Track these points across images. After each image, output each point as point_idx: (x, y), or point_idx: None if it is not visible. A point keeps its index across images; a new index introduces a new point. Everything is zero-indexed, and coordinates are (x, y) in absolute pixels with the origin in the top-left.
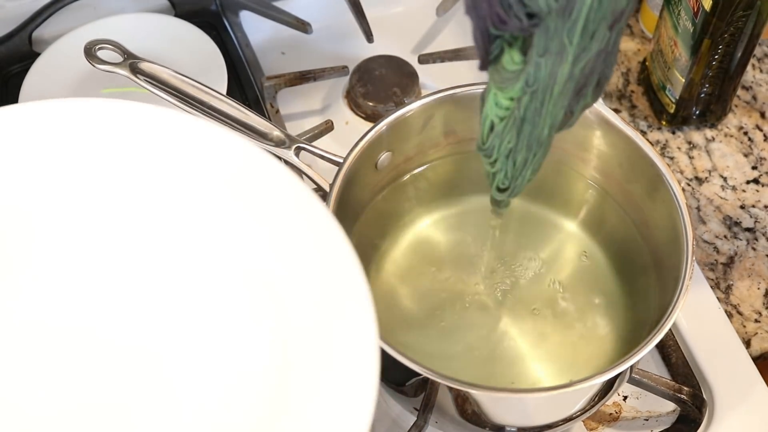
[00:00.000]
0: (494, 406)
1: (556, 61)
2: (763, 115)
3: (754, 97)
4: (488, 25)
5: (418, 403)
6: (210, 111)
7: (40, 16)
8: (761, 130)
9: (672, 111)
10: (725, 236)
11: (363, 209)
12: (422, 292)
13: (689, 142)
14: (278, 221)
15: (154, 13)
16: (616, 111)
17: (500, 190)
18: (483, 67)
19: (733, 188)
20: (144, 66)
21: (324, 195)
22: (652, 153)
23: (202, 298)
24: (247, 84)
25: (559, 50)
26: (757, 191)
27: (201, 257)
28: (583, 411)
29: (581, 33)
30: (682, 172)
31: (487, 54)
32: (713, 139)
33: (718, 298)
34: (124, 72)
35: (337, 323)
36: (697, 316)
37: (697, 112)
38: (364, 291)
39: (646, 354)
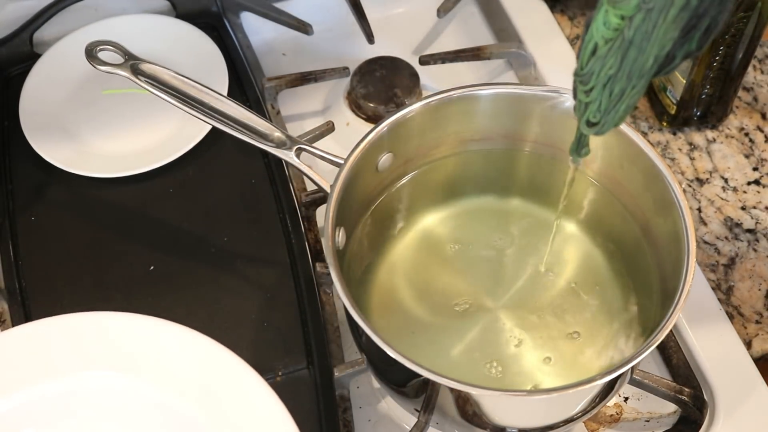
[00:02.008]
0: (495, 407)
1: None
2: (764, 116)
3: (755, 98)
4: None
5: (419, 404)
6: (211, 112)
7: (41, 18)
8: (762, 131)
9: (673, 112)
10: (726, 237)
11: (364, 210)
12: (423, 293)
13: (690, 143)
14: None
15: (155, 14)
16: None
17: (590, 125)
18: None
19: (734, 189)
20: (145, 67)
21: (325, 196)
22: (653, 154)
23: None
24: (248, 85)
25: None
26: (758, 192)
27: None
28: (584, 412)
29: None
30: (683, 173)
31: None
32: (714, 140)
33: (719, 299)
34: (125, 73)
35: None
36: (698, 317)
37: (698, 113)
38: None
39: (647, 355)
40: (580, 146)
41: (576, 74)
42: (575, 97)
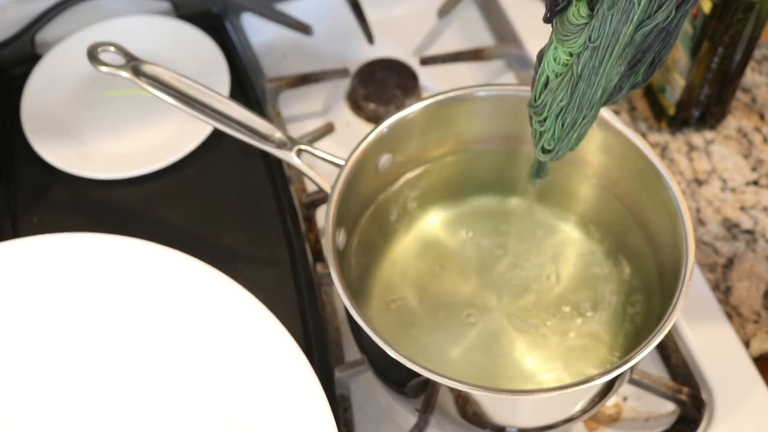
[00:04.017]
0: (495, 406)
1: (621, 20)
2: (762, 117)
3: (753, 99)
4: None
5: (420, 404)
6: (212, 113)
7: (43, 19)
8: (760, 132)
9: (672, 113)
10: (724, 238)
11: (364, 210)
12: (423, 293)
13: (689, 144)
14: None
15: (157, 15)
16: (616, 113)
17: (545, 152)
18: (548, 18)
19: (733, 190)
20: (146, 68)
21: (325, 197)
22: (652, 155)
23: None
24: (249, 86)
25: (627, 8)
26: (757, 193)
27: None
28: (584, 412)
29: None
30: (681, 174)
31: (555, 5)
32: (713, 141)
33: (717, 299)
34: (127, 74)
35: None
36: (696, 317)
37: (697, 114)
38: (324, 412)
39: (646, 355)
40: (539, 171)
41: (530, 105)
42: (531, 126)
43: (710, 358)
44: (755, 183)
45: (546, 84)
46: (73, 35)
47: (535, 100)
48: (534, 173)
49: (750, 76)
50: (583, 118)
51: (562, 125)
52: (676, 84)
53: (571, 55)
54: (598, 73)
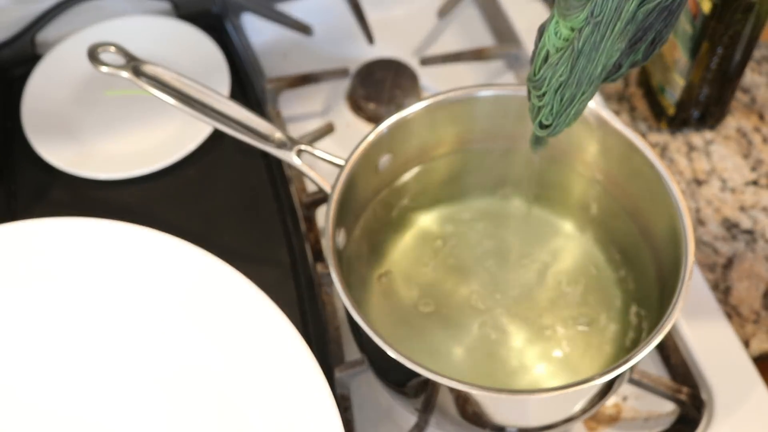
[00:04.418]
0: (495, 406)
1: None
2: (761, 117)
3: (753, 99)
4: None
5: (419, 404)
6: (212, 113)
7: (44, 19)
8: (760, 132)
9: (671, 113)
10: (724, 238)
11: (364, 210)
12: (423, 292)
13: (688, 144)
14: (241, 338)
15: (157, 15)
16: (616, 113)
17: (542, 127)
18: None
19: (732, 190)
20: (147, 68)
21: (325, 196)
22: (652, 155)
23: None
24: (249, 86)
25: None
26: (756, 193)
27: (164, 373)
28: (584, 411)
29: None
30: (681, 174)
31: None
32: (712, 141)
33: (717, 299)
34: (127, 74)
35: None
36: (696, 317)
37: (697, 115)
38: (328, 404)
39: (645, 355)
40: (537, 142)
41: (529, 79)
42: (529, 100)
43: (710, 358)
44: (755, 183)
45: (546, 58)
46: (73, 35)
47: (535, 74)
48: (533, 143)
49: (749, 76)
50: (582, 94)
51: (561, 100)
52: (675, 84)
53: (572, 29)
54: (598, 49)
